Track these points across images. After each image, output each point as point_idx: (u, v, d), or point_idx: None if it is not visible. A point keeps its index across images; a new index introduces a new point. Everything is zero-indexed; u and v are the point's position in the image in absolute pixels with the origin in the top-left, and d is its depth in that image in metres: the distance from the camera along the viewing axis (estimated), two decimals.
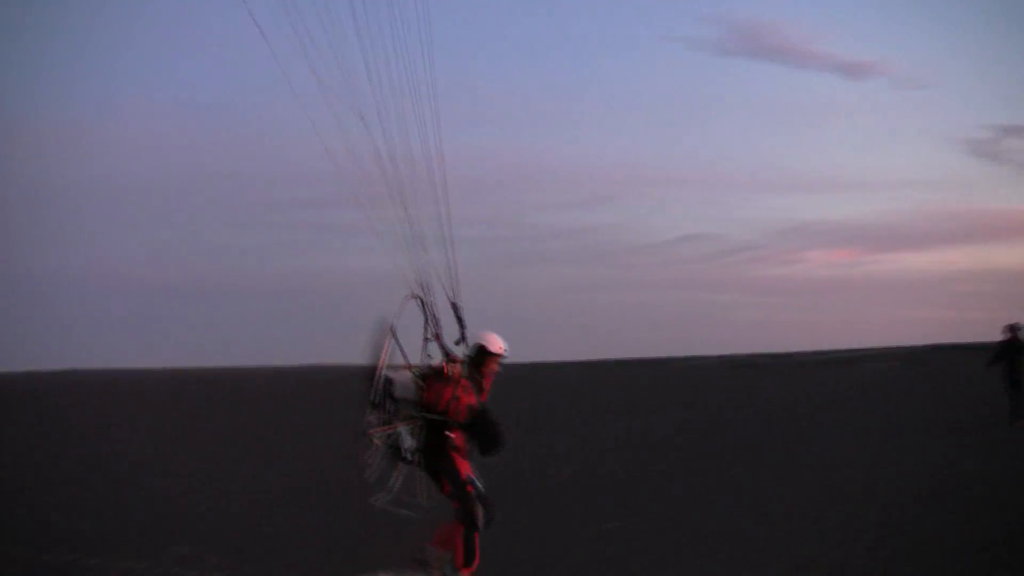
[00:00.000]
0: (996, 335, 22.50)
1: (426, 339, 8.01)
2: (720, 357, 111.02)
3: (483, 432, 7.73)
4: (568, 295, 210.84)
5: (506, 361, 8.17)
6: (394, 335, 7.79)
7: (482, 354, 8.05)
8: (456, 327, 8.10)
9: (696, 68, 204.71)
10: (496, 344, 8.07)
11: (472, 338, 8.11)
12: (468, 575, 7.61)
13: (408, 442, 7.58)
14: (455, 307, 8.07)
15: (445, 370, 7.86)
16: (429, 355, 8.03)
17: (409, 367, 7.89)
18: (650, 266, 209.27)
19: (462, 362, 7.98)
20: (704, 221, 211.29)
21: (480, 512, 7.57)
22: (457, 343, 8.09)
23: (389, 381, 7.67)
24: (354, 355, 8.66)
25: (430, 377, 7.83)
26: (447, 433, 7.67)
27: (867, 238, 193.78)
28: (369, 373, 7.60)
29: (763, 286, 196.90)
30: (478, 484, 7.69)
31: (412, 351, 7.99)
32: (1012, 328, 21.80)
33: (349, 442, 8.27)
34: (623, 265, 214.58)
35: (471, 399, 7.79)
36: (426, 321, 7.99)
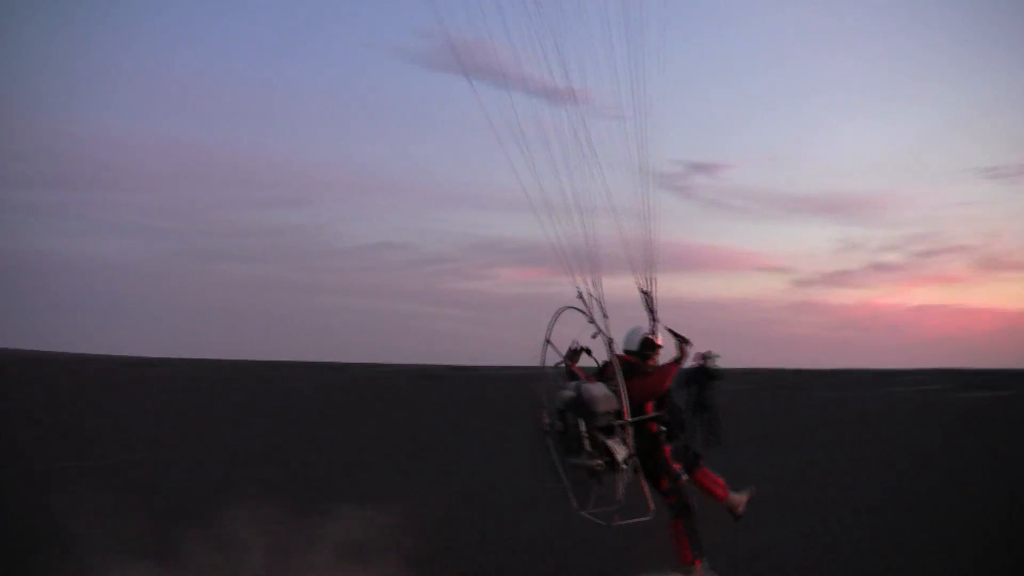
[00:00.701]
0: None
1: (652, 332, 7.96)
2: (405, 366, 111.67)
3: (673, 421, 7.86)
4: (260, 295, 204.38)
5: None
6: (580, 350, 7.90)
7: (649, 347, 7.96)
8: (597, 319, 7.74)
9: (405, 79, 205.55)
10: (660, 337, 8.02)
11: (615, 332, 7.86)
12: (701, 566, 7.68)
13: (622, 452, 7.23)
14: (649, 296, 8.00)
15: (651, 364, 7.87)
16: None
17: (591, 378, 7.64)
18: (344, 271, 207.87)
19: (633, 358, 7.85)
20: (400, 231, 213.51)
21: (694, 500, 7.74)
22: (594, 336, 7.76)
23: (584, 400, 7.25)
24: None
25: (633, 379, 7.50)
26: (658, 428, 7.70)
27: (556, 259, 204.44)
28: (565, 398, 7.35)
29: (453, 299, 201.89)
30: (684, 474, 7.80)
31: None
32: (703, 356, 22.77)
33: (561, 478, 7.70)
34: (316, 268, 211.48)
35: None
36: (652, 314, 7.98)
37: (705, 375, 22.61)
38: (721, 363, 23.03)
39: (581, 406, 7.25)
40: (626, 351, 7.93)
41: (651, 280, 8.00)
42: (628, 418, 7.25)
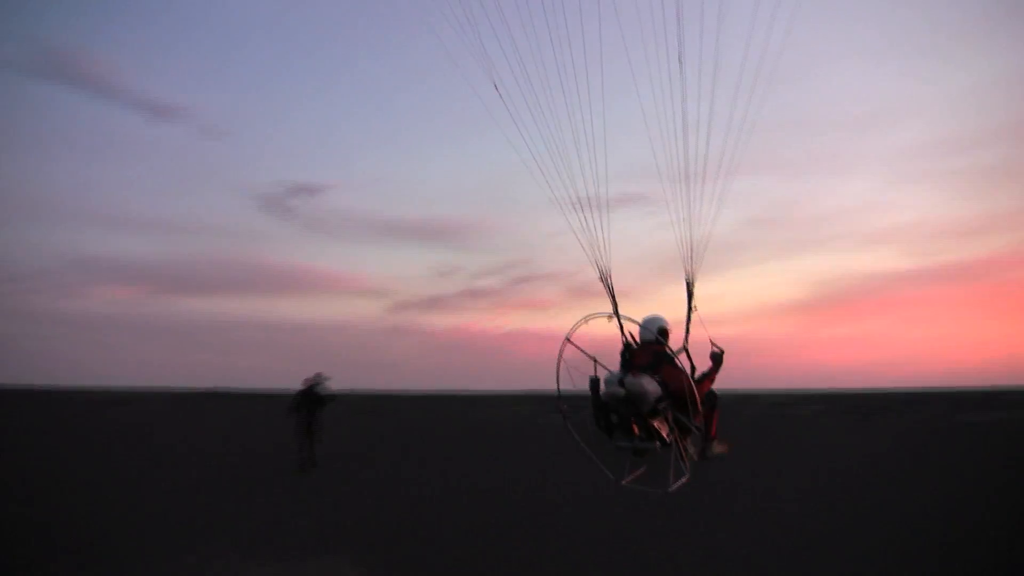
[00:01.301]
0: (272, 383, 23.86)
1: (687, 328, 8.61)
2: None
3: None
4: None
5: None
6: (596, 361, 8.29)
7: (664, 335, 8.55)
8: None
9: None
10: (669, 324, 8.65)
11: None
12: (719, 440, 8.91)
13: (666, 428, 8.07)
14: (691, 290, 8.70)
15: (669, 350, 8.36)
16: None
17: (635, 372, 8.12)
18: None
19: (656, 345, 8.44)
20: None
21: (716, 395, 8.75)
22: (609, 319, 8.56)
23: (637, 393, 7.94)
24: None
25: (667, 367, 8.19)
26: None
27: (154, 278, 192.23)
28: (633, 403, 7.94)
29: (43, 318, 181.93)
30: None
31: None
32: (313, 379, 23.29)
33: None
34: None
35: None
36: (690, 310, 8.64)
37: (316, 399, 23.06)
38: (329, 386, 23.51)
39: (634, 399, 8.02)
40: (644, 341, 8.53)
41: (693, 276, 8.77)
42: (700, 407, 8.23)
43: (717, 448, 8.99)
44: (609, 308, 8.62)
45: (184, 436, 36.84)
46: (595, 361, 8.40)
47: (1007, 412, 48.00)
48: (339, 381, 24.37)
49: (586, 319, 8.38)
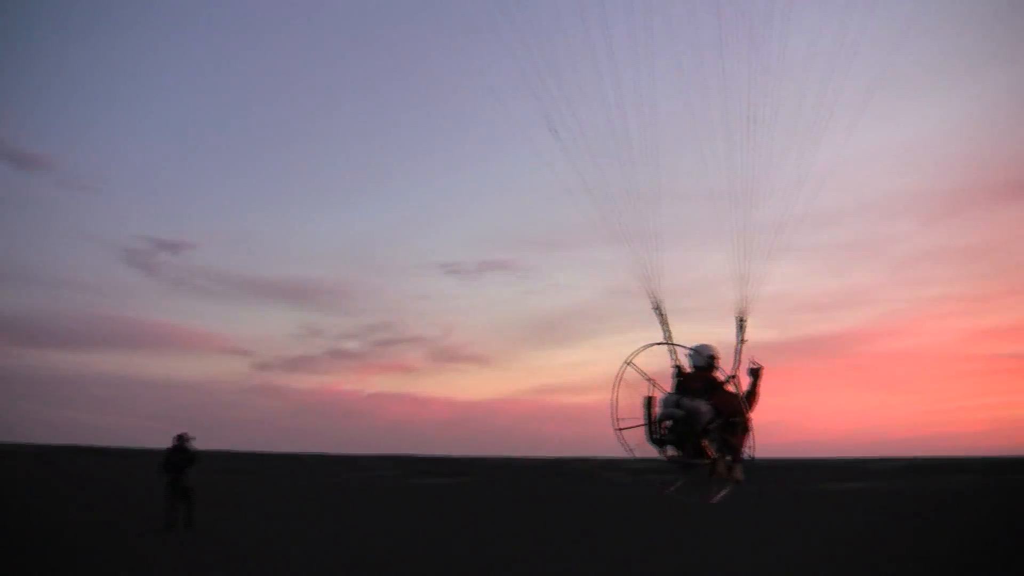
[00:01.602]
0: (134, 440, 22.62)
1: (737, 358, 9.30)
2: None
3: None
4: None
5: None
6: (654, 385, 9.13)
7: (714, 360, 9.21)
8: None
9: None
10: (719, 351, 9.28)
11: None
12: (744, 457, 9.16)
13: (713, 447, 8.79)
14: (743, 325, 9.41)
15: (722, 378, 9.09)
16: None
17: (693, 396, 8.86)
18: None
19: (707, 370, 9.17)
20: None
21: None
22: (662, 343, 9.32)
23: (694, 415, 8.71)
24: None
25: (719, 391, 8.99)
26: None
27: (13, 331, 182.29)
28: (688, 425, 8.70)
29: None
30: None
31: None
32: (180, 437, 22.21)
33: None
34: None
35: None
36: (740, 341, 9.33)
37: (184, 458, 22.05)
38: (193, 445, 22.47)
39: (692, 420, 8.73)
40: (696, 367, 9.25)
41: (746, 313, 9.41)
42: (751, 424, 8.96)
43: (738, 473, 9.37)
44: (660, 337, 9.39)
45: (44, 492, 34.70)
46: (652, 383, 9.13)
47: (865, 481, 50.15)
48: (202, 441, 23.37)
49: (648, 346, 9.15)
